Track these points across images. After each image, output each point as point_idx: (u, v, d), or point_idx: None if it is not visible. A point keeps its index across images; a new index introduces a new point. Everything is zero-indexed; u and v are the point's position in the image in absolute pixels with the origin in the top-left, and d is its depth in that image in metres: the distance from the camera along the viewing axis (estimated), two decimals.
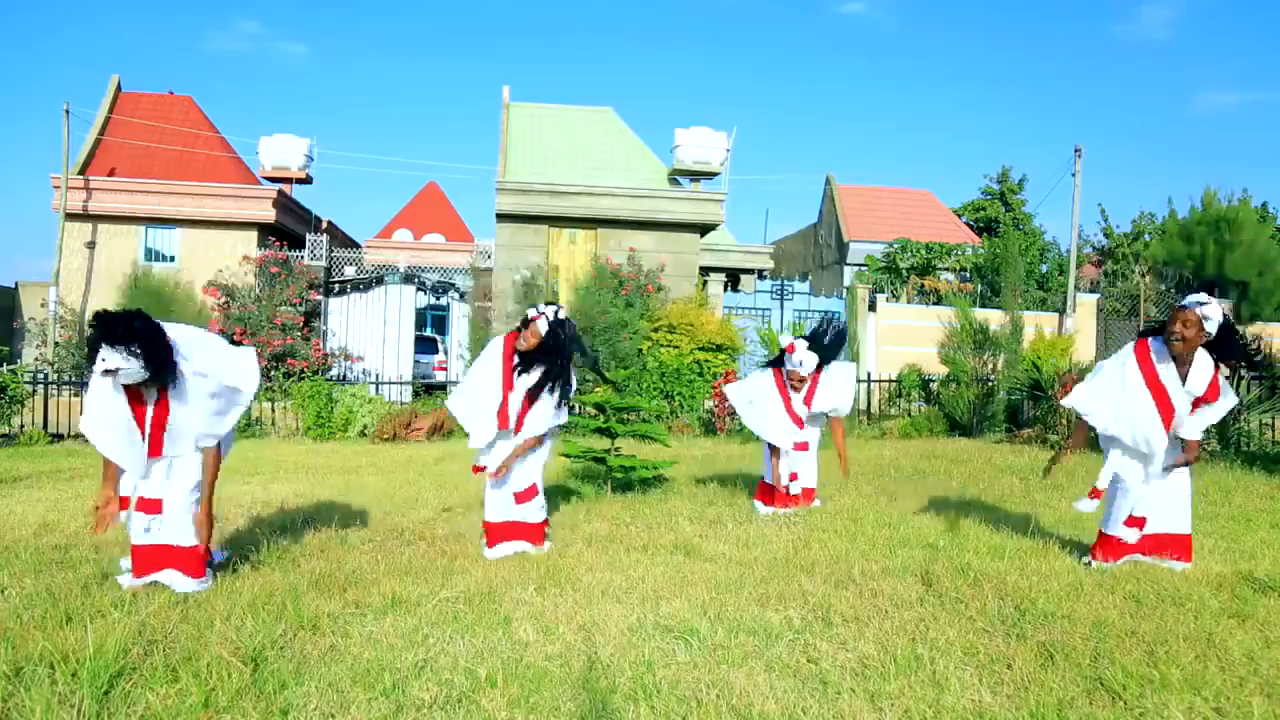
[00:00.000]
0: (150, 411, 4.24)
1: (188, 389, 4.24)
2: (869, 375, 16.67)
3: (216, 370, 4.33)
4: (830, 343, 6.78)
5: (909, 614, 4.04)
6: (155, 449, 4.29)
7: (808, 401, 6.74)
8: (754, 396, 6.86)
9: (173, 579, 4.35)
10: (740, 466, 9.29)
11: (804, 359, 6.60)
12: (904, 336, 18.86)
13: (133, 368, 3.95)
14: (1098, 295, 22.88)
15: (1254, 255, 22.84)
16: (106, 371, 3.95)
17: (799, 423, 6.74)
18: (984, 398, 14.47)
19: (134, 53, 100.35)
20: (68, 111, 21.17)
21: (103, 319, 3.96)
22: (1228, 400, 4.87)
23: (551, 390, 5.36)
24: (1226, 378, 4.93)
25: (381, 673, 3.26)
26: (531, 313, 5.42)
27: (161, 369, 4.06)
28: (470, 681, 3.20)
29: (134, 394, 4.20)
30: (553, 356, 5.35)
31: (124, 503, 4.44)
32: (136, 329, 3.94)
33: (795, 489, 6.74)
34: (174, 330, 4.31)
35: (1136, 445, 4.86)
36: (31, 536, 5.62)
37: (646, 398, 15.26)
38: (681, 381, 15.88)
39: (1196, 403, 4.83)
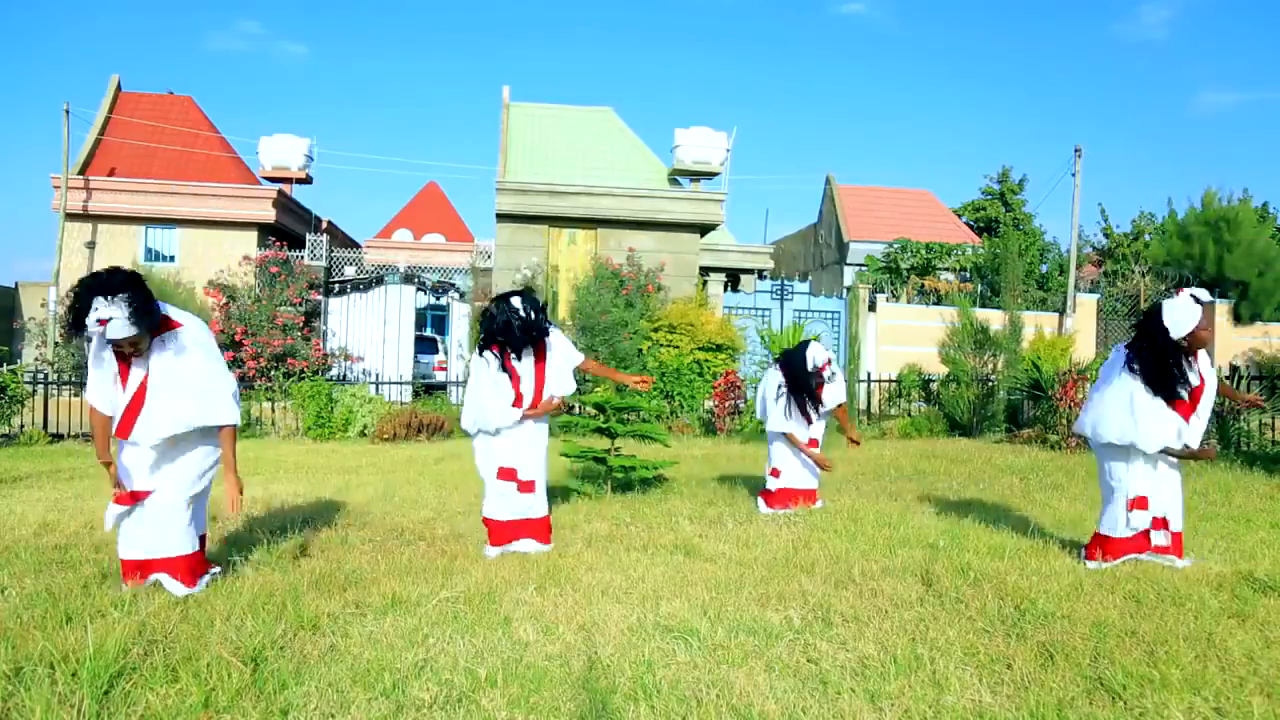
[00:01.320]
0: (134, 384, 4.26)
1: (174, 362, 4.28)
2: (869, 375, 16.68)
3: (204, 366, 4.35)
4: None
5: (909, 614, 4.04)
6: (126, 428, 4.27)
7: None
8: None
9: (167, 583, 4.34)
10: (740, 467, 9.30)
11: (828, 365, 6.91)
12: (904, 336, 18.86)
13: (123, 315, 4.00)
14: (1098, 295, 22.89)
15: (1254, 255, 22.78)
16: (100, 321, 3.98)
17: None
18: (984, 398, 14.47)
19: (134, 53, 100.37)
20: (68, 111, 21.17)
21: (92, 276, 4.10)
22: (1212, 384, 5.00)
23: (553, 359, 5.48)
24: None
25: (381, 672, 3.26)
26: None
27: (149, 319, 4.13)
28: (470, 681, 3.20)
29: (123, 367, 4.25)
30: (535, 332, 5.39)
31: (121, 499, 4.39)
32: (125, 280, 4.07)
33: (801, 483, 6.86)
34: (182, 314, 4.40)
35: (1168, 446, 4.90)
36: (31, 536, 5.62)
37: (646, 398, 15.26)
38: (681, 381, 15.88)
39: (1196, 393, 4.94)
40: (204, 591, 4.27)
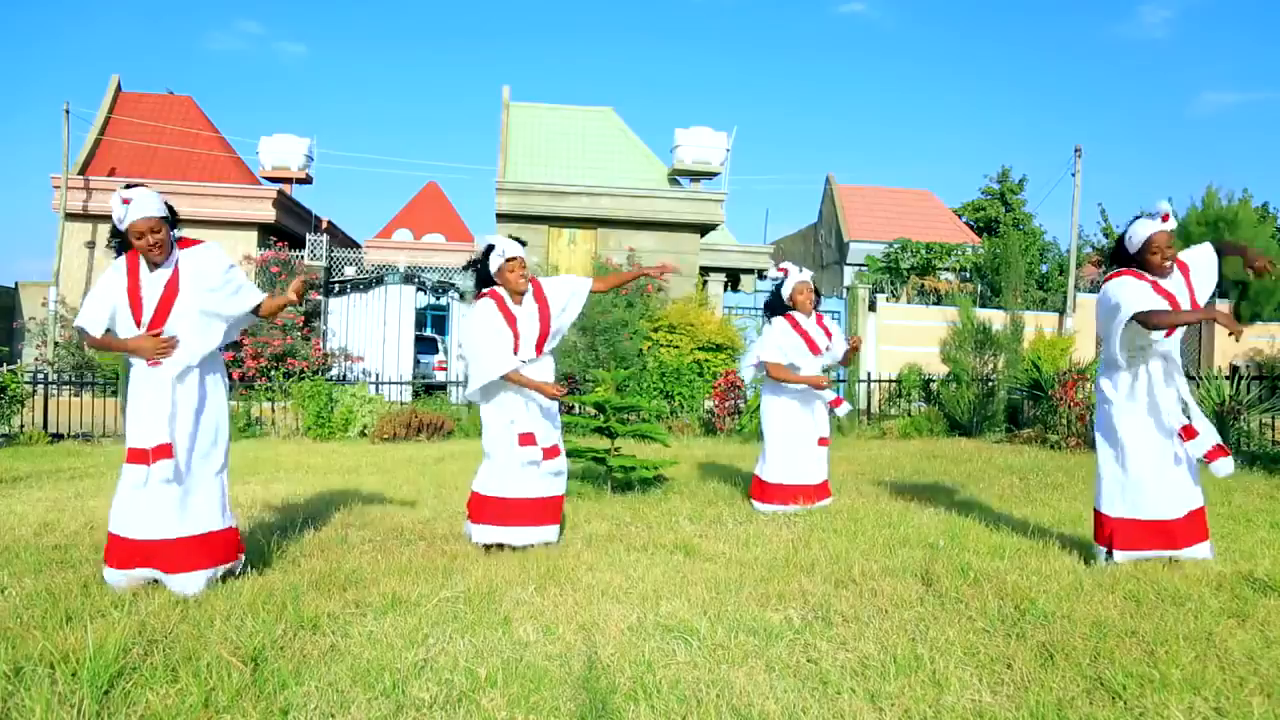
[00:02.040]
0: (150, 305, 4.27)
1: (206, 274, 4.35)
2: (869, 375, 16.68)
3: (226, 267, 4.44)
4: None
5: (909, 614, 4.04)
6: (157, 324, 4.28)
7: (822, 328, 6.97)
8: (776, 342, 6.89)
9: (186, 581, 4.29)
10: (740, 466, 9.29)
11: (789, 269, 6.96)
12: (904, 336, 18.87)
13: (149, 201, 4.19)
14: (1097, 296, 22.89)
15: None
16: (124, 201, 4.14)
17: (815, 347, 6.88)
18: (984, 397, 14.47)
19: (134, 53, 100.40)
20: (68, 111, 21.19)
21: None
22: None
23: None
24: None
25: (382, 672, 3.26)
26: (511, 250, 5.32)
27: (169, 210, 4.30)
28: (470, 681, 3.20)
29: (134, 287, 4.27)
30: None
31: (136, 455, 4.27)
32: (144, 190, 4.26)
33: (810, 479, 6.85)
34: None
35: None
36: (31, 536, 5.62)
37: (646, 398, 15.26)
38: (681, 381, 15.88)
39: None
40: (203, 591, 4.26)
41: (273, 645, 3.49)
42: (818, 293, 7.05)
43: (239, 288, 4.45)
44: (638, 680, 3.22)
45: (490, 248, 5.34)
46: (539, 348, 5.36)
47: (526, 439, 5.27)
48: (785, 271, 7.05)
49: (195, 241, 4.45)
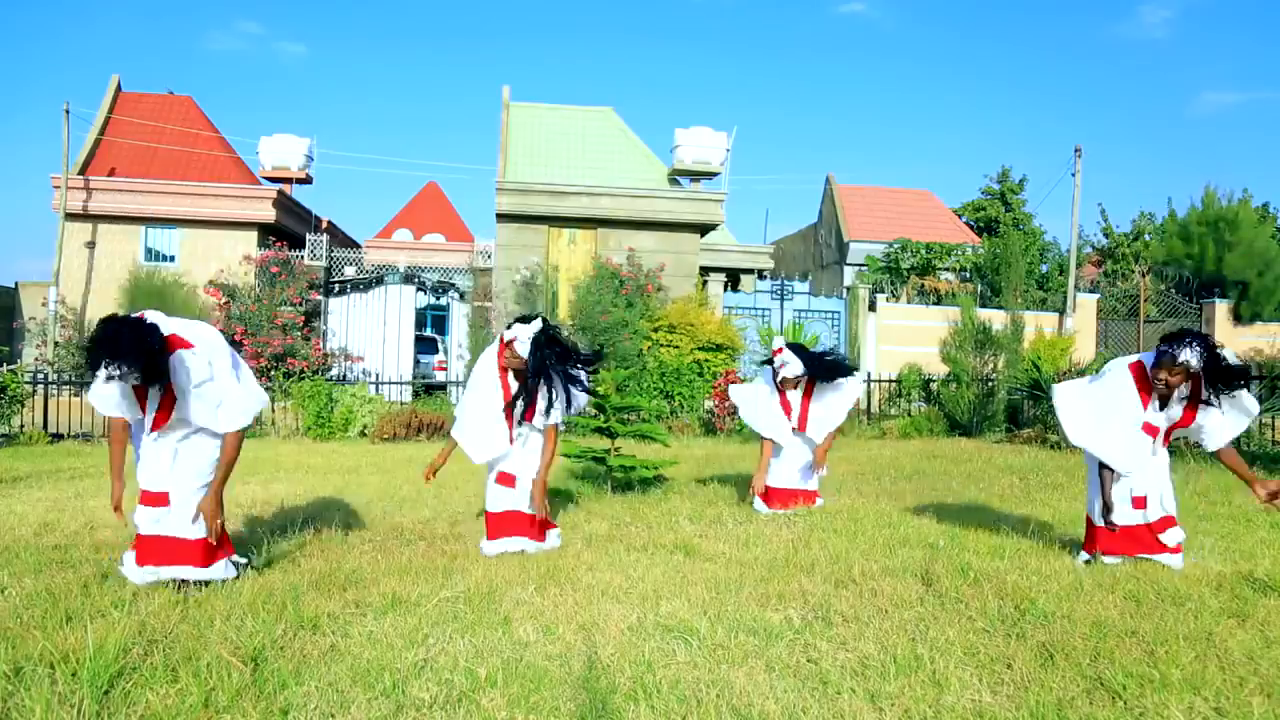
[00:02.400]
0: (153, 405, 4.30)
1: (191, 386, 4.27)
2: (869, 375, 16.68)
3: (219, 387, 4.37)
4: (825, 364, 6.86)
5: (909, 614, 4.04)
6: (158, 425, 4.32)
7: (804, 409, 6.82)
8: (753, 397, 7.02)
9: (180, 572, 4.35)
10: (740, 467, 9.29)
11: (788, 362, 6.74)
12: (904, 336, 18.87)
13: (132, 374, 4.00)
14: (1097, 295, 22.90)
15: (1254, 255, 22.76)
16: (109, 378, 4.03)
17: (797, 422, 6.81)
18: (984, 397, 14.47)
19: (134, 53, 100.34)
20: (68, 111, 21.17)
21: (101, 328, 4.03)
22: (1247, 405, 5.10)
23: (549, 407, 5.33)
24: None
25: (382, 672, 3.25)
26: (507, 335, 5.32)
27: (158, 375, 4.15)
28: (470, 681, 3.20)
29: (139, 390, 4.28)
30: (538, 378, 5.25)
31: (144, 499, 4.43)
32: (132, 342, 3.97)
33: (799, 484, 6.87)
34: (193, 329, 4.37)
35: (1129, 471, 4.96)
36: (32, 536, 5.62)
37: (646, 398, 15.26)
38: (682, 381, 15.89)
39: (1172, 428, 5.04)
40: (203, 592, 4.26)
41: (273, 645, 3.49)
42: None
43: (219, 403, 4.36)
44: (638, 680, 3.22)
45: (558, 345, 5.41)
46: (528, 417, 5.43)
47: (506, 479, 5.39)
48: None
49: (186, 344, 4.32)
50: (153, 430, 4.34)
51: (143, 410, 4.34)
